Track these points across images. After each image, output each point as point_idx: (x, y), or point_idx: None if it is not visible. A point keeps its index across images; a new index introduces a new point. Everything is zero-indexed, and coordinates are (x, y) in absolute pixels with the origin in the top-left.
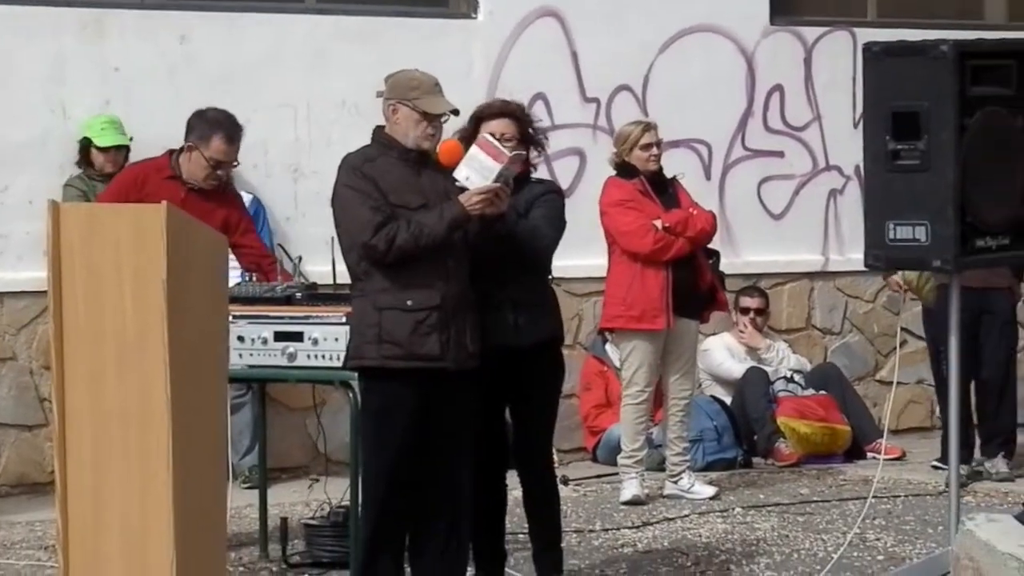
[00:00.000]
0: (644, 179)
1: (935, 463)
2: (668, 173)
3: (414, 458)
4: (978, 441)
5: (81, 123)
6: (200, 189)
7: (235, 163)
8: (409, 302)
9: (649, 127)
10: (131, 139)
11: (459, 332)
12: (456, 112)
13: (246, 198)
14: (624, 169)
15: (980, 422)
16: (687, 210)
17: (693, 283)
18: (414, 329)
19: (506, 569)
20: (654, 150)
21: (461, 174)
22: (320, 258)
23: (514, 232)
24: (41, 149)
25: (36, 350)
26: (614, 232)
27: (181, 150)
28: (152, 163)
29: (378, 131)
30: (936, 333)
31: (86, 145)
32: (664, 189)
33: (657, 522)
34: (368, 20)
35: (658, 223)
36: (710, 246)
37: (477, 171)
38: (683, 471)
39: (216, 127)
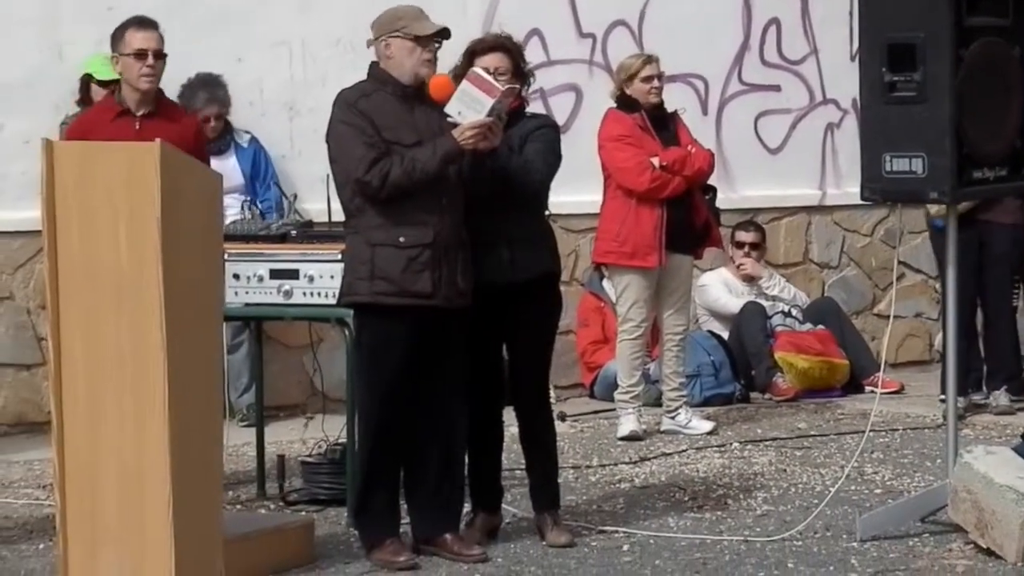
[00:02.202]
0: (644, 114)
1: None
2: (669, 108)
3: (407, 394)
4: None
5: (81, 61)
6: (153, 115)
7: (162, 52)
8: (402, 239)
9: (651, 59)
10: None
11: (451, 270)
12: (447, 33)
13: (244, 137)
14: (625, 102)
15: (986, 355)
16: (686, 148)
17: (688, 220)
18: (406, 266)
19: (503, 504)
20: (655, 83)
21: (453, 109)
22: (316, 196)
23: (507, 167)
24: (37, 89)
25: (33, 290)
26: (611, 167)
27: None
28: (96, 108)
29: (374, 67)
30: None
31: (87, 81)
32: (664, 125)
33: (654, 457)
34: None
35: (655, 161)
36: (708, 182)
37: (469, 106)
38: (680, 406)
39: (124, 26)
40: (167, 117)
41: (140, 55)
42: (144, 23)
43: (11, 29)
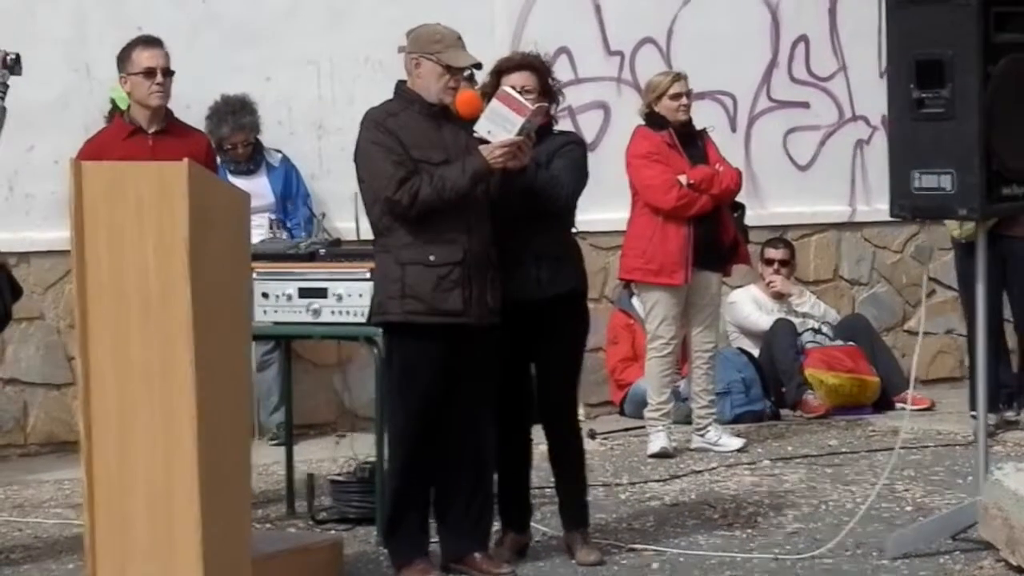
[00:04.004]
0: (673, 131)
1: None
2: (698, 126)
3: (438, 413)
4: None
5: (108, 84)
6: (165, 133)
7: (170, 69)
8: (432, 257)
9: (679, 77)
10: None
11: (481, 288)
12: (479, 66)
13: (275, 157)
14: (653, 119)
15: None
16: (713, 166)
17: (716, 237)
18: (437, 284)
19: (532, 523)
20: (684, 100)
21: (483, 127)
22: (344, 214)
23: (534, 184)
24: (65, 109)
25: (63, 309)
26: (638, 184)
27: (129, 106)
28: (107, 130)
29: (400, 85)
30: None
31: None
32: (692, 142)
33: (685, 475)
34: None
35: (683, 179)
36: (736, 199)
37: (499, 124)
38: (710, 424)
39: (131, 46)
40: (178, 135)
41: (149, 73)
42: (150, 41)
43: (40, 50)
